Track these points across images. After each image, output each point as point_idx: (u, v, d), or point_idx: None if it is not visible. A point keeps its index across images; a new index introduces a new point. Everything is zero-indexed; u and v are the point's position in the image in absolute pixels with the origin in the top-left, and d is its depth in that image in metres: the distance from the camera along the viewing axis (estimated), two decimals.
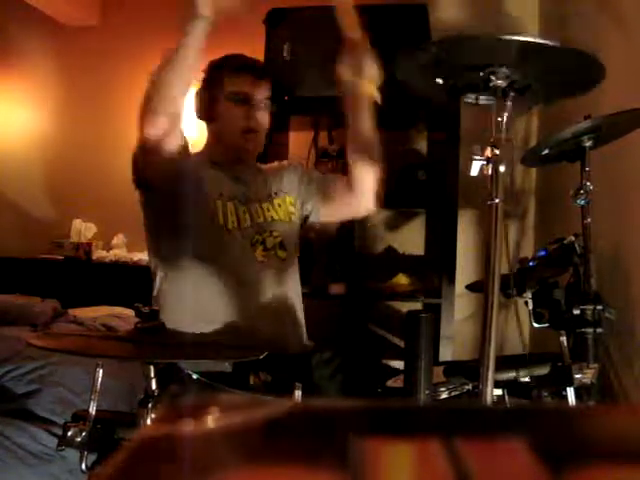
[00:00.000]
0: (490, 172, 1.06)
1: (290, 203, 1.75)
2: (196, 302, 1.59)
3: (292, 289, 1.71)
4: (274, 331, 1.60)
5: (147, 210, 1.65)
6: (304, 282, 1.83)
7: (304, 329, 1.71)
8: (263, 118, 1.67)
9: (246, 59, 1.71)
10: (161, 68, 1.44)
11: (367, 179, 1.68)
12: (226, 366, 1.44)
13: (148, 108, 1.48)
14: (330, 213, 1.80)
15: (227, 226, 1.61)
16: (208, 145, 1.74)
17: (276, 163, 1.89)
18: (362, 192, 1.70)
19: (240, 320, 1.58)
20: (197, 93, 1.71)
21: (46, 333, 2.26)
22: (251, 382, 1.44)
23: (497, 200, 1.05)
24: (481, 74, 1.10)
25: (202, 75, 1.70)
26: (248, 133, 1.65)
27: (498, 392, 1.48)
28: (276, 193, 1.74)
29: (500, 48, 1.07)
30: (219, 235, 1.60)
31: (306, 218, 1.79)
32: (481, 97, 1.17)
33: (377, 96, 1.58)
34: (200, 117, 1.72)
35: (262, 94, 1.66)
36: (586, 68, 1.10)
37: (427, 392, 1.23)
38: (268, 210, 1.70)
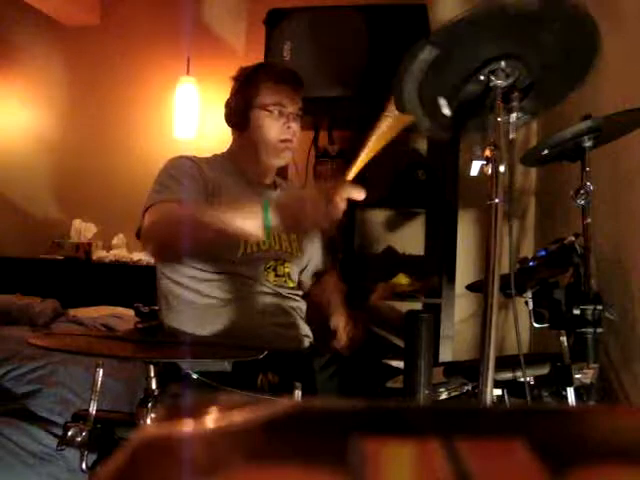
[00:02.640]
0: (490, 172, 1.06)
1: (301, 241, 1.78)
2: (200, 308, 1.60)
3: (296, 310, 1.71)
4: (274, 336, 1.60)
5: None
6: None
7: (304, 339, 1.71)
8: (298, 128, 1.68)
9: (283, 69, 1.73)
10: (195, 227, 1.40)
11: None
12: (226, 366, 1.44)
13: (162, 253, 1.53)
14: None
15: (246, 250, 1.61)
16: (235, 152, 1.73)
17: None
18: None
19: (241, 327, 1.58)
20: (229, 102, 1.70)
21: (46, 333, 2.26)
22: (259, 383, 1.44)
23: (497, 200, 1.05)
24: (482, 77, 1.10)
25: (234, 82, 1.70)
26: (284, 143, 1.65)
27: (498, 392, 1.48)
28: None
29: (495, 26, 1.06)
30: (236, 257, 1.60)
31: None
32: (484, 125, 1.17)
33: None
34: (232, 125, 1.71)
35: (298, 105, 1.67)
36: (581, 40, 1.08)
37: (427, 392, 1.23)
38: (285, 241, 1.72)
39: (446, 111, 1.17)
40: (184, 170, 1.59)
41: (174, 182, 1.55)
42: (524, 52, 1.09)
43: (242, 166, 1.70)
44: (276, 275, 1.67)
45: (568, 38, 1.08)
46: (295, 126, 1.66)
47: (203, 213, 1.42)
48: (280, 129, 1.64)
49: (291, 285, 1.71)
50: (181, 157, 1.64)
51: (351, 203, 1.33)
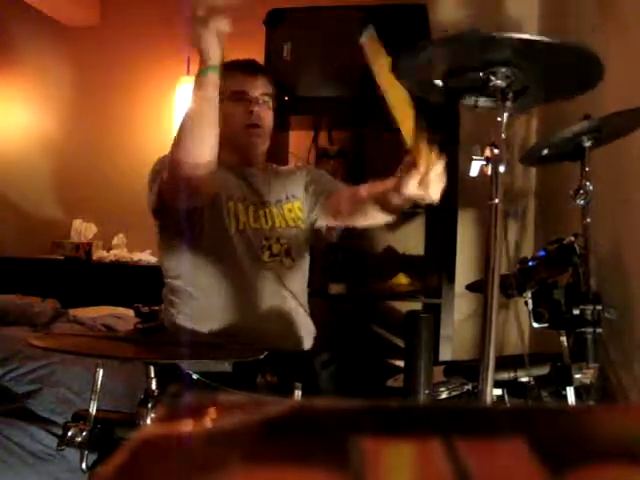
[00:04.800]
0: (490, 172, 1.06)
1: (299, 208, 1.74)
2: (200, 301, 1.60)
3: (296, 295, 1.69)
4: (274, 333, 1.60)
5: (164, 226, 1.65)
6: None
7: (306, 335, 1.70)
8: (263, 113, 1.68)
9: (241, 60, 1.74)
10: (182, 128, 1.41)
11: (378, 221, 1.58)
12: (226, 366, 1.44)
13: (177, 174, 1.44)
14: (332, 221, 1.74)
15: (238, 228, 1.62)
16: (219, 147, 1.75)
17: (289, 166, 1.89)
18: (369, 220, 1.60)
19: (241, 321, 1.59)
20: None
21: (46, 333, 2.26)
22: (257, 382, 1.44)
23: (497, 200, 1.05)
24: (481, 74, 1.10)
25: None
26: (250, 128, 1.66)
27: (498, 392, 1.48)
28: (287, 197, 1.74)
29: (499, 46, 1.07)
30: (227, 237, 1.61)
31: (313, 223, 1.76)
32: (480, 100, 1.17)
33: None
34: None
35: (258, 90, 1.68)
36: (585, 66, 1.10)
37: (427, 392, 1.23)
38: (277, 215, 1.70)
39: (439, 83, 1.17)
40: None
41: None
42: (525, 64, 1.10)
43: (226, 159, 1.70)
44: (271, 255, 1.65)
45: (570, 65, 1.09)
46: (259, 110, 1.66)
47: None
48: (242, 114, 1.65)
49: (288, 264, 1.67)
50: (168, 155, 1.65)
51: None
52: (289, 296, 1.67)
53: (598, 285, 1.56)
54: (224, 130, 1.69)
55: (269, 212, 1.69)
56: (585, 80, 1.15)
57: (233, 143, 1.68)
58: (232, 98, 1.66)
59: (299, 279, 1.72)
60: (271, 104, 1.70)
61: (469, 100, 1.19)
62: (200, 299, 1.61)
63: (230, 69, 1.69)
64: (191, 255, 1.61)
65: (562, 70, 1.12)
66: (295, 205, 1.74)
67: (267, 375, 1.45)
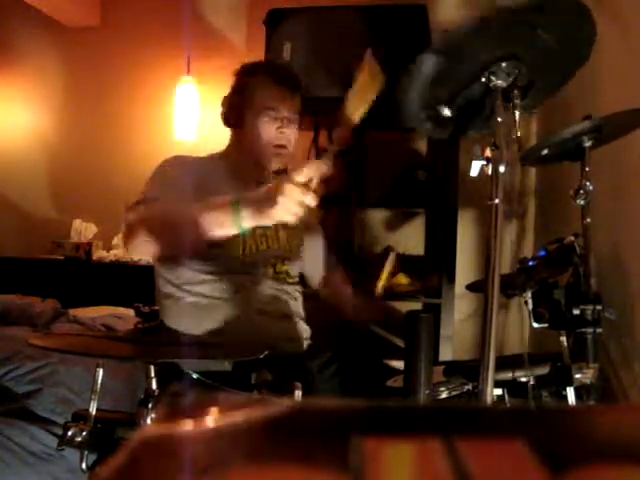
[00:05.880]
0: (490, 172, 1.06)
1: (299, 238, 1.78)
2: (193, 305, 1.59)
3: (293, 303, 1.70)
4: (270, 336, 1.59)
5: None
6: (304, 282, 1.85)
7: (303, 339, 1.71)
8: (292, 135, 1.64)
9: (283, 71, 1.68)
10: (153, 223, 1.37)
11: None
12: (226, 366, 1.44)
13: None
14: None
15: (245, 250, 1.60)
16: (231, 151, 1.70)
17: None
18: None
19: (236, 325, 1.58)
20: (226, 99, 1.67)
21: (46, 333, 2.26)
22: (253, 380, 1.44)
23: (497, 200, 1.05)
24: (482, 79, 1.10)
25: (234, 79, 1.67)
26: (277, 148, 1.62)
27: (498, 392, 1.48)
28: (293, 227, 1.71)
29: (494, 30, 1.07)
30: (236, 258, 1.59)
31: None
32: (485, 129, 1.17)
33: None
34: (227, 124, 1.69)
35: (295, 109, 1.64)
36: (578, 26, 1.09)
37: (427, 392, 1.23)
38: (282, 239, 1.70)
39: (447, 113, 1.17)
40: (172, 171, 1.57)
41: (157, 184, 1.53)
42: (523, 51, 1.10)
43: (237, 165, 1.67)
44: (275, 272, 1.66)
45: (563, 29, 1.09)
46: (290, 132, 1.62)
47: (176, 212, 1.38)
48: (273, 133, 1.61)
49: (290, 281, 1.70)
50: (171, 158, 1.62)
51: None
52: (287, 302, 1.67)
53: (598, 285, 1.56)
54: (248, 139, 1.63)
55: (277, 234, 1.68)
56: (580, 47, 1.13)
57: (255, 154, 1.64)
58: (265, 113, 1.60)
59: (298, 294, 1.75)
60: (298, 121, 1.67)
61: (475, 129, 1.19)
62: (198, 307, 1.59)
63: (273, 79, 1.61)
64: (188, 265, 1.59)
65: (556, 39, 1.11)
66: (297, 233, 1.76)
67: (263, 372, 1.45)
